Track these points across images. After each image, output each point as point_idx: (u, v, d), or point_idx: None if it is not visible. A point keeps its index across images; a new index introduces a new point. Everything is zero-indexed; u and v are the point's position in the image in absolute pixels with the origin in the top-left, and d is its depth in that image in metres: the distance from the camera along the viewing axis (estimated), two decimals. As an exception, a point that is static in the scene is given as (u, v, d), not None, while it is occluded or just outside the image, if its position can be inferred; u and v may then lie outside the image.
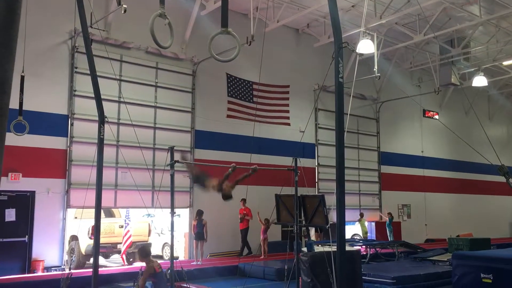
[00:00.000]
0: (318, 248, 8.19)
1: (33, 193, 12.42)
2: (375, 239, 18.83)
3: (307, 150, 18.14)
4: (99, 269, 8.59)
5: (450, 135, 21.37)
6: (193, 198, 15.21)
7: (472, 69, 21.51)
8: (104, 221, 13.64)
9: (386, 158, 21.44)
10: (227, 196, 7.58)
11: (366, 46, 15.31)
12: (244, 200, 14.67)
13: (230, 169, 7.54)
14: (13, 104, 9.54)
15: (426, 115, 23.10)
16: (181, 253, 15.64)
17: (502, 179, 7.65)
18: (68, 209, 13.05)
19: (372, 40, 15.58)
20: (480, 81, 20.17)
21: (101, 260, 14.31)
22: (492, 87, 24.63)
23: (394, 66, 21.13)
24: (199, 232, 13.47)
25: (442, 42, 19.48)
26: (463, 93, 22.39)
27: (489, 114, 26.74)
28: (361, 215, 18.74)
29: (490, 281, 8.48)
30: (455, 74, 20.22)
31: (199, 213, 13.58)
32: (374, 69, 15.57)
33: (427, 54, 20.36)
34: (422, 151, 23.17)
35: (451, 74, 20.03)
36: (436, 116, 23.31)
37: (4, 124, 2.80)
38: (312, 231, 17.15)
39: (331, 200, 6.78)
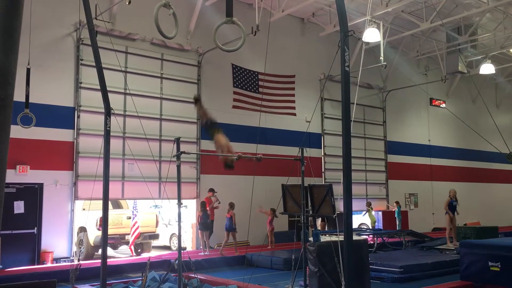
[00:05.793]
0: (324, 238, 8.17)
1: (41, 185, 12.51)
2: (382, 228, 18.84)
3: (313, 140, 18.10)
4: (108, 260, 8.64)
5: (457, 124, 21.26)
6: (200, 189, 15.26)
7: (480, 57, 21.34)
8: (112, 213, 13.70)
9: (393, 147, 21.36)
10: (228, 165, 7.70)
11: (372, 35, 15.18)
12: (212, 190, 14.28)
13: (235, 157, 7.60)
14: (20, 96, 9.60)
15: (433, 104, 22.98)
16: (188, 243, 15.72)
17: (509, 167, 7.64)
18: (76, 201, 13.15)
19: (378, 28, 15.46)
20: (487, 68, 20.01)
21: (110, 251, 14.43)
22: (499, 74, 24.40)
23: (400, 55, 20.97)
24: (204, 222, 13.52)
25: (449, 30, 19.29)
26: (470, 81, 22.21)
27: (497, 102, 26.53)
28: (369, 204, 18.72)
29: (498, 269, 8.47)
30: (462, 62, 20.03)
31: (203, 204, 13.63)
32: (380, 58, 15.46)
33: (433, 42, 20.20)
34: (429, 140, 23.06)
35: (458, 62, 19.84)
36: (443, 105, 23.17)
37: (9, 115, 2.72)
38: (318, 221, 17.13)
39: (337, 190, 6.77)
